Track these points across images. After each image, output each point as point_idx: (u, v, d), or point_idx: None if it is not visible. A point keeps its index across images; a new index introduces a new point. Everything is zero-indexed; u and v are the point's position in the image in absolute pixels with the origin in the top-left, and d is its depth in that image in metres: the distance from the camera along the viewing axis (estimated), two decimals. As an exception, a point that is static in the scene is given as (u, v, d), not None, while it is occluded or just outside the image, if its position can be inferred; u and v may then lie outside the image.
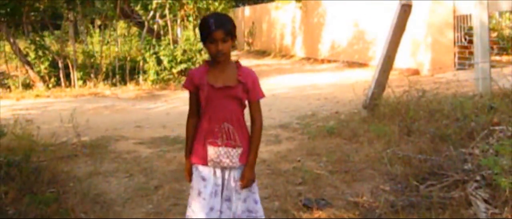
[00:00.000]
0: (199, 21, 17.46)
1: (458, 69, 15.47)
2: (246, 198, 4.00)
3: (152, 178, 6.93)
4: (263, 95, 3.99)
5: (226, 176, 3.93)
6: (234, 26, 3.85)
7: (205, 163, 3.90)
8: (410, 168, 6.27)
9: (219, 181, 3.92)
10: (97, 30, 19.23)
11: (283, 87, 15.44)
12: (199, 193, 3.90)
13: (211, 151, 3.87)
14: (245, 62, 22.13)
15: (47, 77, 16.30)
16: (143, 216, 5.68)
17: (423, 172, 6.08)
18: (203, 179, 3.91)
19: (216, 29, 3.72)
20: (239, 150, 3.89)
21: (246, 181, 3.92)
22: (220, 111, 3.86)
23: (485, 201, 5.13)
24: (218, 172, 3.92)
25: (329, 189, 6.18)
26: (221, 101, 3.87)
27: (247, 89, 3.90)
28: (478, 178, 5.53)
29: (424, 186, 5.65)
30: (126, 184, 6.73)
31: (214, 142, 3.87)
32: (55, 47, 17.03)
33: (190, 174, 4.05)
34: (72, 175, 7.06)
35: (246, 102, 3.96)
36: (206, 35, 3.78)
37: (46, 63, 16.35)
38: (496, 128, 6.85)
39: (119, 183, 6.80)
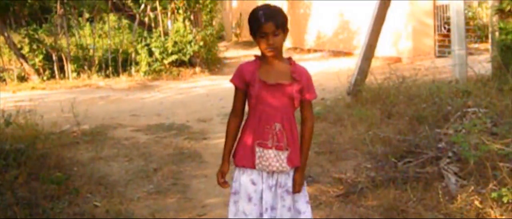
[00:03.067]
0: (188, 13, 18.01)
1: (438, 57, 16.03)
2: (294, 203, 3.72)
3: (151, 161, 7.42)
4: (316, 96, 3.72)
5: (273, 181, 3.64)
6: (285, 18, 3.56)
7: (253, 166, 3.61)
8: (390, 147, 6.75)
9: (265, 186, 3.63)
10: (88, 24, 19.52)
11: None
12: (250, 199, 3.62)
13: (260, 153, 3.58)
14: (233, 53, 22.55)
15: (41, 70, 16.59)
16: (145, 195, 6.17)
17: (401, 150, 6.56)
18: (253, 183, 3.63)
19: (266, 22, 3.44)
20: (287, 153, 3.59)
21: (298, 186, 3.67)
22: (271, 110, 3.57)
23: (456, 174, 5.68)
24: (265, 175, 3.62)
25: (315, 168, 6.68)
26: (273, 99, 3.58)
27: (301, 88, 3.59)
28: (450, 154, 6.07)
29: (402, 163, 6.16)
30: (127, 167, 7.22)
31: (264, 144, 3.57)
32: (48, 40, 17.34)
33: (224, 176, 3.74)
34: (75, 160, 7.52)
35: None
36: (256, 28, 3.49)
37: (40, 56, 16.56)
38: (469, 110, 7.36)
39: (120, 166, 7.29)
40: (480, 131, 5.89)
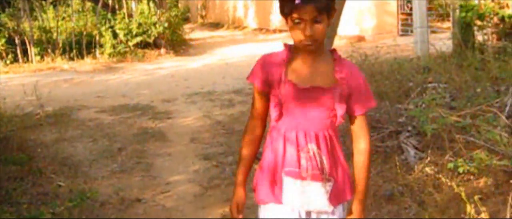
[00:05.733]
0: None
1: (401, 35, 16.27)
2: None
3: (115, 141, 7.45)
4: (374, 104, 2.67)
5: None
6: None
7: (280, 201, 2.56)
8: (351, 123, 6.87)
9: None
10: (51, 7, 19.32)
11: (236, 57, 15.97)
12: None
13: (291, 185, 2.54)
14: (199, 34, 22.51)
15: (4, 54, 16.42)
16: (109, 174, 6.22)
17: (362, 126, 6.69)
18: None
19: (305, 4, 2.36)
20: (329, 185, 2.55)
21: None
22: (304, 125, 2.53)
23: (414, 147, 5.81)
24: (302, 214, 2.57)
25: (278, 144, 6.76)
26: (307, 110, 2.53)
27: (349, 94, 2.54)
28: (409, 128, 6.20)
29: (362, 138, 6.28)
30: (91, 148, 7.24)
31: (295, 172, 2.52)
32: (11, 24, 17.14)
33: (242, 210, 2.71)
34: (39, 142, 7.52)
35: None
36: (289, 10, 2.42)
37: (3, 40, 16.38)
38: (430, 85, 7.50)
39: (85, 147, 7.30)
40: (438, 105, 6.00)
